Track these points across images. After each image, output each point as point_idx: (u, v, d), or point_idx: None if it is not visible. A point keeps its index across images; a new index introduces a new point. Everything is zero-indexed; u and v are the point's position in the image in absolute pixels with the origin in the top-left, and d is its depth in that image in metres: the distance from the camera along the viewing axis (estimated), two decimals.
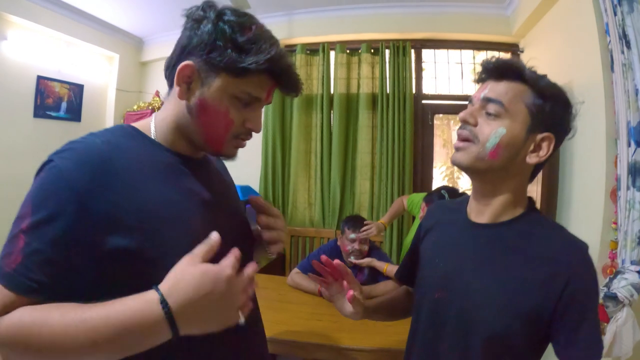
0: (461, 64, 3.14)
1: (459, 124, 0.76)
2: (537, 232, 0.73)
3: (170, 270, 0.53)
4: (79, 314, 0.50)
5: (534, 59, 2.37)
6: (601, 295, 1.61)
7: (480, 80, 0.76)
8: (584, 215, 1.96)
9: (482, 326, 0.70)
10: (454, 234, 0.82)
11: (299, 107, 3.13)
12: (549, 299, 0.67)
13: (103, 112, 3.57)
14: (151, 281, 0.53)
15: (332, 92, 3.10)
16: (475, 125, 0.72)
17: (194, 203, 0.66)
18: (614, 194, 1.68)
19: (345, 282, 0.82)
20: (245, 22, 0.62)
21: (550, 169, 2.25)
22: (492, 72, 0.74)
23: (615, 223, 1.65)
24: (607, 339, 1.57)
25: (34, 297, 0.50)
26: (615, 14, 1.62)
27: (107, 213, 0.54)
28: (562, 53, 2.27)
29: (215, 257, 0.60)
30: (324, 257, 0.81)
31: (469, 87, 3.09)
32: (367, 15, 3.01)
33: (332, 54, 3.12)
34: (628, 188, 1.56)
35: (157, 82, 3.70)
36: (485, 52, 3.11)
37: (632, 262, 1.56)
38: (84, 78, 3.30)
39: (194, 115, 0.64)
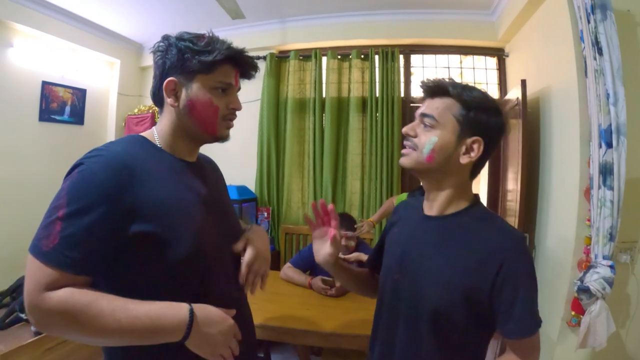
0: (448, 68, 3.23)
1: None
2: (478, 223, 0.85)
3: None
4: (122, 304, 0.66)
5: (517, 62, 2.45)
6: (575, 288, 1.71)
7: (422, 99, 0.89)
8: (561, 212, 2.05)
9: (428, 302, 0.82)
10: (411, 226, 0.95)
11: (292, 110, 3.21)
12: (486, 280, 0.77)
13: (105, 116, 3.65)
14: (163, 257, 0.70)
15: (324, 96, 3.18)
16: (415, 136, 0.86)
17: (193, 197, 0.81)
18: (587, 193, 1.76)
19: (331, 227, 0.95)
20: (198, 35, 0.81)
21: (530, 169, 2.34)
22: (427, 91, 0.87)
23: (589, 220, 1.73)
24: (581, 331, 1.65)
25: (68, 271, 0.63)
26: (589, 22, 1.69)
27: (129, 206, 0.68)
28: (542, 58, 2.36)
29: (212, 248, 0.79)
30: (322, 201, 0.95)
31: None
32: (357, 22, 3.10)
33: (324, 59, 3.20)
34: (599, 187, 1.65)
35: None
36: (472, 56, 3.20)
37: (604, 257, 1.64)
38: (86, 83, 3.39)
39: (187, 114, 0.81)
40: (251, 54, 3.01)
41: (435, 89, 0.86)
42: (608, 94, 1.64)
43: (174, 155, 0.84)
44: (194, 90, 0.80)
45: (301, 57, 3.25)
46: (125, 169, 0.71)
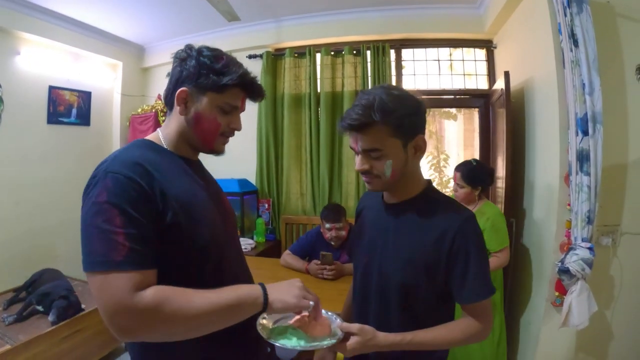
0: (438, 60, 3.30)
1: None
2: (431, 205, 0.94)
3: None
4: (209, 291, 0.72)
5: (504, 53, 2.48)
6: (555, 269, 1.79)
7: (350, 133, 0.90)
8: (544, 197, 2.14)
9: (393, 277, 0.92)
10: (374, 213, 1.05)
11: (289, 106, 3.31)
12: (441, 254, 0.87)
13: (110, 116, 3.75)
14: (188, 245, 0.79)
15: (319, 91, 3.26)
16: (371, 168, 0.91)
17: (201, 190, 0.89)
18: (567, 179, 1.84)
19: None
20: (218, 54, 0.87)
21: (517, 156, 2.42)
22: (354, 129, 0.88)
23: (569, 204, 1.82)
24: (563, 310, 1.73)
25: (146, 268, 0.70)
26: (565, 15, 1.75)
27: (161, 198, 0.76)
28: (526, 50, 2.42)
29: (222, 234, 0.89)
30: None
31: (446, 82, 3.28)
32: (349, 20, 3.17)
33: (318, 56, 3.28)
34: (577, 173, 1.72)
35: (158, 86, 3.88)
36: (461, 49, 3.27)
37: (583, 239, 1.73)
38: (91, 85, 3.49)
39: (192, 125, 0.87)
40: (247, 53, 3.17)
41: (361, 126, 0.86)
42: (584, 84, 1.70)
43: (180, 155, 0.90)
44: (203, 105, 0.85)
45: (296, 55, 3.32)
46: (146, 168, 0.77)
